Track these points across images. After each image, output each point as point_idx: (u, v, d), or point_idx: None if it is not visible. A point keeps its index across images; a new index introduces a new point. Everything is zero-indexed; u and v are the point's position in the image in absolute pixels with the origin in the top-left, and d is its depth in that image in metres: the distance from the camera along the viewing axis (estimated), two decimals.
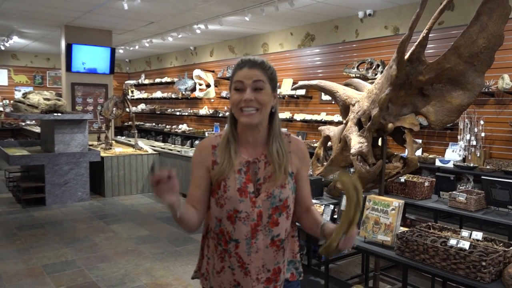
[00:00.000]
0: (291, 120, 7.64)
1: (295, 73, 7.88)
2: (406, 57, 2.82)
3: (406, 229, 2.56)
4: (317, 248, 4.21)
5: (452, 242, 2.20)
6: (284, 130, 1.65)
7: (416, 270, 2.39)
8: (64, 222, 5.70)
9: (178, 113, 11.01)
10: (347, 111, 3.45)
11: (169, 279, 3.91)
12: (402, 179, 3.71)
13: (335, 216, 2.94)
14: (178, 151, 7.58)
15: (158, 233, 5.26)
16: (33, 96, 6.88)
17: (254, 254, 1.50)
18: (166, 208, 1.39)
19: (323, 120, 6.99)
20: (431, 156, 5.39)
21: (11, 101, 9.79)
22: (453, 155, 5.29)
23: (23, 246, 4.75)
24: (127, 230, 5.38)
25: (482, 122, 5.09)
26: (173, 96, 11.20)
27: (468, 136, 5.17)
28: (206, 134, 9.00)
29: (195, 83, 10.19)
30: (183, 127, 10.65)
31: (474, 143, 5.12)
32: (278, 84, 1.59)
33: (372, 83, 3.41)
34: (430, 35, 2.76)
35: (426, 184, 3.71)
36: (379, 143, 3.38)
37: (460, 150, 5.23)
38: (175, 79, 10.94)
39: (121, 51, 11.09)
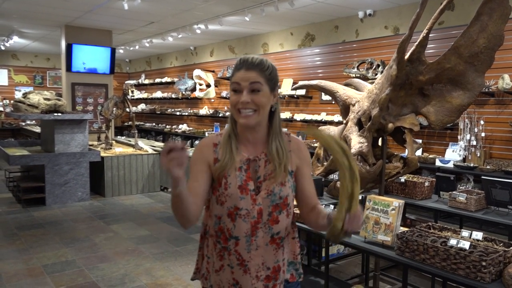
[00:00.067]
0: (291, 120, 7.64)
1: (295, 73, 7.89)
2: (406, 57, 2.82)
3: (406, 229, 2.56)
4: (317, 248, 4.21)
5: (452, 242, 2.20)
6: (284, 130, 1.65)
7: (416, 270, 2.39)
8: (64, 222, 5.70)
9: (178, 113, 11.01)
10: (347, 111, 3.45)
11: (169, 279, 3.91)
12: (402, 179, 3.71)
13: None
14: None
15: (158, 233, 5.26)
16: (33, 96, 6.89)
17: (254, 251, 1.51)
18: (169, 183, 1.35)
19: (323, 120, 6.99)
20: (431, 156, 5.39)
21: (11, 101, 9.80)
22: (453, 155, 5.29)
23: (23, 246, 4.75)
24: (127, 230, 5.38)
25: (482, 122, 5.09)
26: (173, 96, 11.20)
27: (468, 136, 5.17)
28: (206, 134, 9.01)
29: (195, 83, 10.19)
30: (183, 127, 10.65)
31: (474, 143, 5.12)
32: (278, 82, 1.58)
33: (372, 83, 3.41)
34: (430, 35, 2.76)
35: (426, 184, 3.71)
36: (379, 143, 3.38)
37: (460, 150, 5.23)
38: (175, 79, 10.94)
39: (121, 51, 11.09)
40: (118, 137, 10.43)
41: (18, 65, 12.56)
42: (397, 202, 2.51)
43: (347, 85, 3.71)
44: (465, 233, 2.35)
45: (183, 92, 10.52)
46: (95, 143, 8.49)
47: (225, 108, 9.62)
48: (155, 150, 7.93)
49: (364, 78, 5.94)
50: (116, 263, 4.28)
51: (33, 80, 12.79)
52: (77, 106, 8.87)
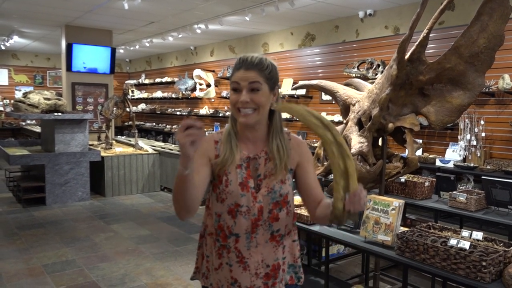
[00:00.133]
0: (291, 120, 7.64)
1: (295, 73, 7.88)
2: (406, 57, 2.82)
3: (406, 229, 2.56)
4: (318, 248, 4.21)
5: (452, 242, 2.20)
6: (285, 130, 1.65)
7: (416, 270, 2.39)
8: (64, 222, 5.70)
9: (178, 113, 11.01)
10: (348, 111, 3.45)
11: (169, 279, 3.91)
12: (403, 179, 3.71)
13: None
14: (179, 151, 7.56)
15: (159, 233, 5.26)
16: (34, 95, 6.89)
17: (254, 248, 1.51)
18: (180, 159, 1.30)
19: None
20: (431, 156, 5.39)
21: (12, 101, 9.80)
22: (453, 155, 5.29)
23: (23, 245, 4.75)
24: (127, 230, 5.38)
25: (482, 122, 5.09)
26: (173, 96, 11.20)
27: (468, 136, 5.17)
28: (207, 134, 8.98)
29: (195, 83, 10.19)
30: None
31: (475, 143, 5.12)
32: (278, 80, 1.58)
33: (372, 83, 3.41)
34: (430, 35, 2.76)
35: (427, 184, 3.71)
36: (380, 143, 3.38)
37: (460, 150, 5.23)
38: (176, 79, 10.94)
39: (121, 51, 11.09)
40: (118, 136, 10.43)
41: (18, 64, 12.56)
42: (397, 202, 2.51)
43: (347, 85, 3.71)
44: (465, 233, 2.35)
45: (183, 92, 10.52)
46: (95, 142, 8.49)
47: (225, 108, 9.62)
48: (155, 150, 7.94)
49: (364, 78, 5.94)
50: (116, 262, 4.28)
51: (33, 80, 12.80)
52: (77, 106, 8.87)
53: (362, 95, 3.35)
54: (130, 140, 9.13)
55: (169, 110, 11.45)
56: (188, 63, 11.16)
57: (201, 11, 6.97)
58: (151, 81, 12.46)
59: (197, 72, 9.93)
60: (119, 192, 7.36)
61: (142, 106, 12.76)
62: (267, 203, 1.51)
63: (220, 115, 9.46)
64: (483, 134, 5.09)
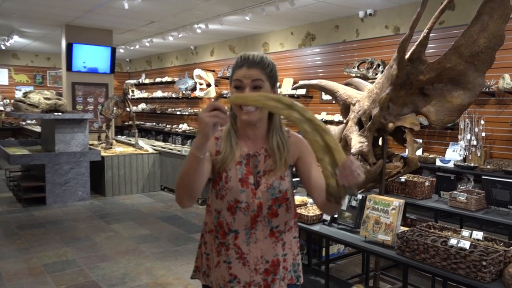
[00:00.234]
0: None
1: (295, 72, 7.88)
2: (406, 56, 2.82)
3: (407, 228, 2.56)
4: (318, 248, 4.21)
5: (453, 241, 2.20)
6: (284, 128, 1.66)
7: (417, 269, 2.39)
8: (64, 222, 5.70)
9: (178, 113, 11.01)
10: (348, 110, 3.44)
11: (169, 278, 3.91)
12: (403, 178, 3.71)
13: (335, 216, 2.94)
14: (179, 151, 7.58)
15: (159, 233, 5.27)
16: (34, 95, 6.89)
17: (253, 244, 1.52)
18: (197, 140, 1.30)
19: (323, 120, 6.99)
20: (431, 155, 5.39)
21: (12, 101, 9.80)
22: (453, 154, 5.29)
23: (23, 245, 4.75)
24: (127, 230, 5.38)
25: (482, 122, 5.09)
26: (173, 95, 11.20)
27: (468, 136, 5.17)
28: None
29: (195, 83, 10.19)
30: (184, 126, 10.65)
31: (475, 143, 5.12)
32: (278, 79, 1.60)
33: (372, 82, 3.40)
34: (430, 34, 2.76)
35: (427, 183, 3.71)
36: (380, 143, 3.38)
37: (460, 150, 5.23)
38: (176, 79, 10.94)
39: (121, 50, 11.09)
40: (119, 136, 10.43)
41: (19, 64, 12.56)
42: (397, 202, 2.52)
43: (347, 84, 3.71)
44: (465, 232, 2.35)
45: (184, 92, 10.52)
46: (96, 142, 8.49)
47: (225, 107, 9.59)
48: (155, 150, 7.94)
49: (365, 77, 5.94)
50: (116, 262, 4.28)
51: (34, 80, 12.80)
52: (77, 106, 8.87)
53: (362, 94, 3.35)
54: (130, 140, 9.13)
55: (169, 110, 11.45)
56: (188, 62, 11.16)
57: (201, 11, 6.97)
58: (151, 80, 12.46)
59: (197, 71, 9.93)
60: (119, 191, 7.36)
61: (142, 105, 12.76)
62: (266, 199, 1.52)
63: None
64: (483, 134, 5.09)
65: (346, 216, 2.86)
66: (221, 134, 1.58)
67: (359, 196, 2.83)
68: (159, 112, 11.84)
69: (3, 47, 11.14)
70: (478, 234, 2.30)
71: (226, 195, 1.52)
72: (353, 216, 2.81)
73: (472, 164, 4.92)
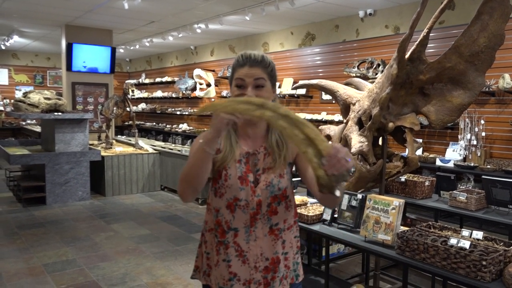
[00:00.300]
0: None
1: (295, 72, 7.88)
2: (406, 56, 2.82)
3: (407, 228, 2.56)
4: (318, 247, 4.21)
5: (453, 241, 2.20)
6: None
7: (417, 269, 2.39)
8: (64, 221, 5.70)
9: (178, 113, 11.01)
10: (348, 110, 3.44)
11: (169, 278, 3.91)
12: (403, 178, 3.71)
13: (336, 216, 2.94)
14: (179, 151, 7.58)
15: (159, 232, 5.27)
16: (34, 95, 6.89)
17: (253, 242, 1.52)
18: (208, 134, 1.34)
19: (323, 120, 6.99)
20: (431, 155, 5.39)
21: (12, 101, 9.80)
22: (453, 154, 5.29)
23: (23, 245, 4.75)
24: (127, 229, 5.38)
25: (482, 122, 5.09)
26: (173, 95, 11.21)
27: (468, 136, 5.17)
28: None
29: (195, 83, 10.19)
30: (184, 126, 10.65)
31: (475, 142, 5.12)
32: (277, 79, 1.61)
33: (372, 82, 3.40)
34: (430, 34, 2.76)
35: (427, 183, 3.71)
36: (380, 143, 3.38)
37: (460, 150, 5.23)
38: (176, 79, 10.94)
39: (121, 50, 11.09)
40: (119, 136, 10.44)
41: (19, 64, 12.56)
42: (397, 202, 2.51)
43: (347, 84, 3.71)
44: (465, 232, 2.35)
45: (184, 92, 10.52)
46: (96, 142, 8.49)
47: None
48: (155, 150, 7.94)
49: (365, 77, 5.94)
50: (116, 262, 4.28)
51: (34, 80, 12.80)
52: (77, 106, 8.87)
53: (362, 94, 3.34)
54: (130, 140, 9.13)
55: (169, 109, 11.45)
56: (188, 62, 11.16)
57: (201, 11, 6.97)
58: (151, 80, 12.47)
59: (197, 71, 9.93)
60: (119, 191, 7.36)
61: (142, 105, 12.77)
62: (265, 196, 1.52)
63: None
64: (483, 134, 5.09)
65: (346, 215, 2.86)
66: None
67: (359, 196, 2.83)
68: (159, 112, 11.84)
69: (3, 47, 11.14)
70: (478, 234, 2.30)
71: (225, 193, 1.53)
72: (353, 216, 2.81)
73: (472, 164, 4.92)
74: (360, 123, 3.24)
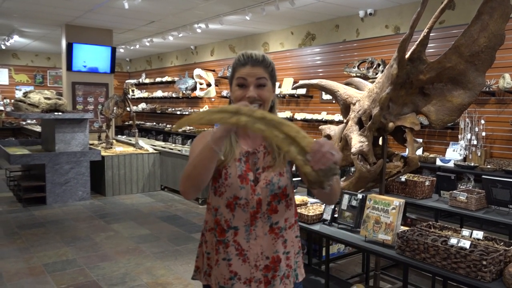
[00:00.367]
0: (291, 119, 7.63)
1: (295, 72, 7.88)
2: (407, 56, 2.82)
3: (407, 228, 2.56)
4: (318, 247, 4.21)
5: (453, 241, 2.20)
6: None
7: (417, 269, 2.39)
8: (64, 221, 5.70)
9: (178, 112, 11.01)
10: (348, 110, 3.44)
11: (169, 278, 3.91)
12: (403, 178, 3.71)
13: (336, 215, 2.94)
14: (179, 151, 7.58)
15: (159, 232, 5.27)
16: (34, 95, 6.89)
17: (253, 241, 1.52)
18: (216, 133, 1.36)
19: (323, 119, 6.99)
20: (431, 155, 5.39)
21: (12, 100, 9.80)
22: (453, 154, 5.29)
23: (24, 245, 4.75)
24: (127, 229, 5.38)
25: (483, 122, 5.09)
26: (173, 95, 11.21)
27: (468, 136, 5.16)
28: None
29: (195, 82, 10.19)
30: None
31: (475, 142, 5.12)
32: (277, 79, 1.62)
33: (373, 82, 3.41)
34: (431, 34, 2.76)
35: (427, 183, 3.71)
36: (380, 142, 3.38)
37: (460, 150, 5.23)
38: (176, 78, 10.94)
39: (121, 50, 11.09)
40: (119, 136, 10.44)
41: (19, 64, 12.56)
42: (397, 201, 2.51)
43: (347, 84, 3.71)
44: (465, 232, 2.35)
45: (184, 92, 10.52)
46: (96, 142, 8.50)
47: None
48: (155, 150, 7.94)
49: (365, 77, 5.94)
50: (116, 262, 4.28)
51: (34, 80, 12.80)
52: (77, 105, 8.87)
53: (363, 94, 3.34)
54: (130, 140, 9.13)
55: (169, 109, 11.45)
56: (189, 62, 11.16)
57: (202, 11, 6.97)
58: (152, 80, 12.47)
59: (197, 71, 9.93)
60: (119, 191, 7.36)
61: (142, 105, 12.77)
62: (265, 195, 1.53)
63: None
64: (483, 134, 5.09)
65: (346, 215, 2.86)
66: None
67: (359, 196, 2.83)
68: (159, 112, 11.84)
69: (3, 47, 11.14)
70: (478, 234, 2.30)
71: (225, 191, 1.53)
72: (353, 216, 2.81)
73: (472, 164, 4.92)
74: (360, 123, 3.24)
